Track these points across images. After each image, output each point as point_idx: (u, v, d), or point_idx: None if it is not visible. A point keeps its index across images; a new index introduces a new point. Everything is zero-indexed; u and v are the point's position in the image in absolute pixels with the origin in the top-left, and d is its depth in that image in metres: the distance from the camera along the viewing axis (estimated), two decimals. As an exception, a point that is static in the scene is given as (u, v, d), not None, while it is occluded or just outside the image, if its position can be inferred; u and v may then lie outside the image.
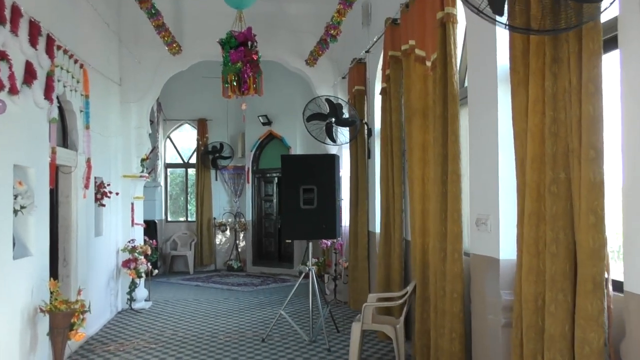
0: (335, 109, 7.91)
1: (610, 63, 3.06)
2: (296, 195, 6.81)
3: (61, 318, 5.38)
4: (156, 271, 9.47)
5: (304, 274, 7.24)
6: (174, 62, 9.53)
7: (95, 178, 7.89)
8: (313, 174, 6.85)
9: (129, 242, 8.94)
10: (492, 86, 4.22)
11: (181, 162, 14.85)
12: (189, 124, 14.51)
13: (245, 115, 10.00)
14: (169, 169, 14.77)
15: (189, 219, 14.72)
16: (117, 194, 8.43)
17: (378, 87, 7.87)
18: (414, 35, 5.68)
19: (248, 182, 14.06)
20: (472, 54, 4.66)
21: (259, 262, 13.97)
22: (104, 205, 8.07)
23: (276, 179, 13.95)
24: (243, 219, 14.15)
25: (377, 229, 7.80)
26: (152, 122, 13.36)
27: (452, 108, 4.74)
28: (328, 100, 7.92)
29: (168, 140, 14.61)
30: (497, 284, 4.12)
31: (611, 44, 3.06)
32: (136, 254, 8.92)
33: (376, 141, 7.89)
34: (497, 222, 4.15)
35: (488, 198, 4.30)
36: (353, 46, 8.89)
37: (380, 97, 7.70)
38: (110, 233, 8.67)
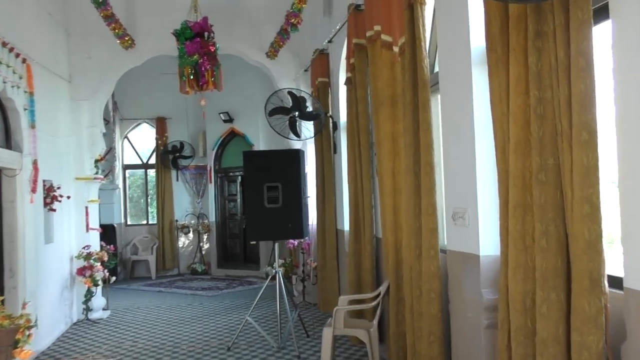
0: (299, 102, 7.54)
1: (601, 35, 2.77)
2: (260, 193, 6.42)
3: (4, 335, 4.90)
4: (114, 278, 8.97)
5: (270, 277, 6.86)
6: (127, 57, 9.03)
7: (44, 181, 7.38)
8: (277, 171, 6.47)
9: (84, 248, 8.43)
10: (466, 69, 3.91)
11: (140, 162, 14.29)
12: (147, 123, 13.97)
13: (205, 111, 9.59)
14: (127, 171, 14.20)
15: (150, 222, 14.19)
16: (68, 197, 7.91)
17: (342, 77, 7.54)
18: (379, 20, 5.35)
19: (210, 182, 13.60)
20: (443, 36, 4.35)
21: (224, 265, 13.52)
22: (54, 210, 7.56)
23: (239, 177, 13.52)
24: (206, 220, 13.68)
25: (346, 227, 7.48)
26: (107, 121, 12.83)
27: (423, 95, 4.42)
28: (291, 94, 7.56)
29: (125, 140, 14.04)
30: (478, 282, 3.81)
31: (602, 14, 2.77)
32: (92, 261, 8.42)
33: (342, 135, 7.55)
34: (475, 215, 3.84)
35: (465, 190, 3.99)
36: (314, 37, 8.54)
37: (345, 87, 7.38)
38: (63, 239, 8.15)
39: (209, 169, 13.59)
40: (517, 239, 2.97)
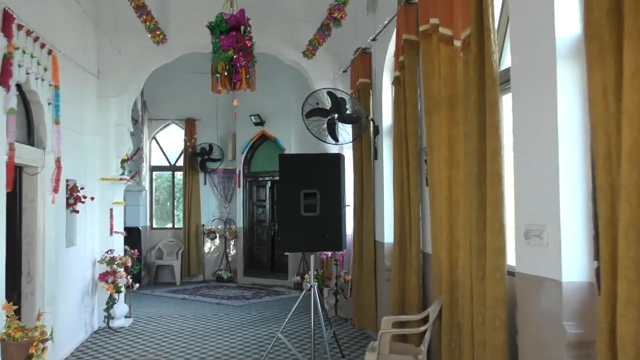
0: (339, 103, 7.04)
1: None
2: (296, 200, 5.92)
3: (15, 349, 4.45)
4: (137, 285, 8.53)
5: (305, 291, 6.34)
6: (158, 53, 8.61)
7: (67, 181, 6.99)
8: (315, 176, 5.97)
9: (107, 252, 8.01)
10: (549, 63, 3.35)
11: (167, 164, 13.92)
12: (175, 124, 13.60)
13: (237, 112, 9.09)
14: (154, 172, 13.83)
15: (176, 226, 13.78)
16: (92, 198, 7.50)
17: (386, 78, 7.04)
18: (436, 12, 4.82)
19: (239, 187, 13.16)
20: (518, 26, 3.79)
21: (250, 273, 13.04)
22: (77, 212, 7.16)
23: (269, 182, 13.06)
24: (233, 226, 13.23)
25: (386, 239, 6.94)
26: (135, 121, 12.50)
27: (492, 94, 3.86)
28: (330, 94, 7.05)
29: (153, 141, 13.68)
30: (559, 312, 3.24)
31: None
32: (115, 266, 8.00)
33: (385, 139, 7.03)
34: (557, 234, 3.27)
35: (543, 204, 3.43)
36: (355, 35, 8.04)
37: (391, 89, 6.88)
38: (86, 243, 7.74)
39: (237, 172, 13.15)
40: (631, 268, 2.41)
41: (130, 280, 8.22)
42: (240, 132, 13.05)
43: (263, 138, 12.87)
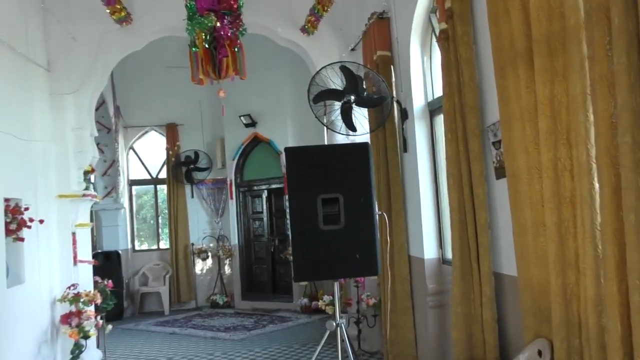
0: (356, 81, 5.43)
1: None
2: (311, 210, 4.23)
3: None
4: (109, 327, 6.85)
5: (328, 332, 4.69)
6: (122, 38, 6.97)
7: (6, 200, 5.35)
8: (336, 175, 4.29)
9: (69, 288, 6.35)
10: None
11: (149, 177, 12.24)
12: (155, 130, 11.94)
13: (224, 106, 7.49)
14: (133, 187, 12.16)
15: (162, 247, 12.11)
16: (41, 221, 5.82)
17: (415, 46, 5.45)
18: None
19: (231, 198, 11.51)
20: None
21: (249, 296, 11.37)
22: (21, 240, 5.50)
23: (266, 192, 11.43)
24: (227, 243, 11.58)
25: (426, 254, 5.35)
26: (108, 130, 10.93)
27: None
28: (345, 69, 5.44)
29: (131, 151, 12.01)
30: None
31: None
32: (81, 304, 6.34)
33: (416, 125, 5.44)
34: None
35: None
36: (363, 2, 6.48)
37: (422, 60, 5.34)
38: (40, 278, 6.08)
39: (229, 182, 11.51)
40: None
41: (101, 320, 6.56)
42: (229, 135, 11.43)
43: (256, 141, 11.25)
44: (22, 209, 5.42)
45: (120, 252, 11.00)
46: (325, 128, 8.91)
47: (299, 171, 4.42)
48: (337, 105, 5.56)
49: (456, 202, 4.17)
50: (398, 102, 5.65)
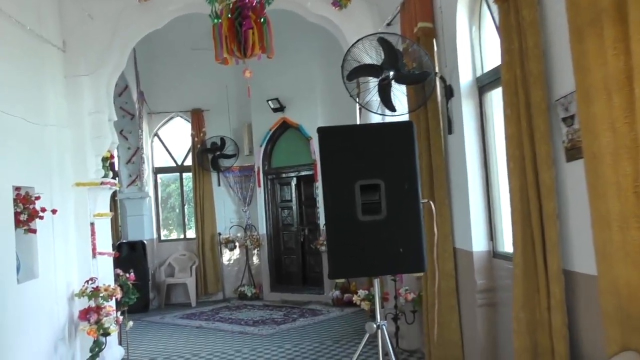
0: (396, 55, 4.89)
1: None
2: (349, 198, 3.71)
3: None
4: (130, 324, 6.45)
5: (367, 336, 4.18)
6: (142, 15, 6.51)
7: (16, 189, 4.95)
8: (376, 159, 3.75)
9: (87, 282, 5.95)
10: None
11: (174, 164, 11.86)
12: (180, 116, 11.54)
13: (250, 88, 7.01)
14: (159, 175, 11.79)
15: (188, 236, 11.74)
16: (54, 212, 5.41)
17: (462, 15, 4.88)
18: None
19: (259, 186, 11.06)
20: None
21: (278, 287, 10.94)
22: (34, 231, 5.11)
23: (295, 179, 10.95)
24: (255, 233, 11.15)
25: (474, 246, 4.80)
26: (132, 116, 10.54)
27: None
28: (383, 42, 4.89)
29: (155, 138, 11.63)
30: None
31: None
32: (100, 300, 5.94)
33: (463, 104, 4.87)
34: None
35: None
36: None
37: (469, 32, 4.78)
38: (56, 272, 5.70)
39: (256, 169, 11.06)
40: None
41: (121, 316, 6.17)
42: (256, 121, 10.96)
43: (284, 126, 10.75)
44: (33, 198, 5.01)
45: (145, 242, 10.66)
46: (358, 112, 8.42)
47: (333, 154, 3.92)
48: (374, 82, 5.02)
49: (518, 189, 3.61)
50: (442, 78, 5.08)
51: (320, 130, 3.95)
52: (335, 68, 10.03)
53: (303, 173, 10.71)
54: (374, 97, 5.10)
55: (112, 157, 6.73)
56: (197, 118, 11.24)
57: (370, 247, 3.87)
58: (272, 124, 10.73)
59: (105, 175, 6.55)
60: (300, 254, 10.91)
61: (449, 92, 5.05)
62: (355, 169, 3.89)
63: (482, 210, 4.81)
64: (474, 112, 4.83)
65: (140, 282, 10.03)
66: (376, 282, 4.10)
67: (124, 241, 10.62)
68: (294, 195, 11.00)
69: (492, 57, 4.66)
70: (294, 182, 10.97)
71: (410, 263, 3.88)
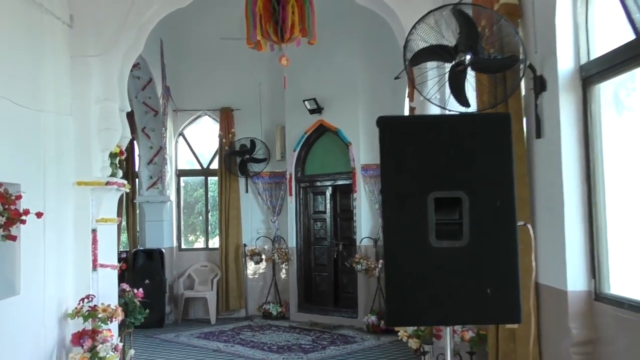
0: (476, 33, 3.82)
1: None
2: (418, 214, 2.62)
3: None
4: (132, 353, 5.46)
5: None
6: (163, -10, 5.60)
7: (-6, 185, 4.02)
8: (458, 163, 2.65)
9: (82, 300, 4.99)
10: None
11: (199, 167, 10.93)
12: (208, 115, 10.64)
13: (286, 76, 6.04)
14: (182, 178, 10.87)
15: (211, 246, 10.79)
16: (38, 215, 4.41)
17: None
18: None
19: (290, 195, 10.06)
20: None
21: (307, 307, 9.90)
22: (13, 239, 4.15)
23: (330, 188, 9.91)
24: (284, 246, 10.13)
25: (569, 284, 3.69)
26: (156, 112, 9.67)
27: None
28: (459, 15, 3.83)
29: (180, 138, 10.73)
30: None
31: None
32: (98, 321, 4.98)
33: (561, 100, 3.77)
34: None
35: None
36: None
37: (567, 12, 3.71)
38: (45, 287, 4.75)
39: (288, 176, 10.07)
40: None
41: (120, 343, 5.19)
42: (290, 123, 9.99)
43: (321, 130, 9.75)
44: (13, 197, 4.06)
45: (163, 250, 9.73)
46: (408, 111, 7.39)
47: (398, 154, 2.86)
48: (443, 69, 3.96)
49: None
50: (531, 67, 4.00)
51: (381, 121, 2.89)
52: (378, 68, 9.15)
53: (340, 182, 9.68)
54: (444, 86, 4.04)
55: (122, 153, 5.78)
56: (226, 118, 10.32)
57: (446, 285, 2.81)
58: (307, 126, 9.75)
59: (113, 174, 5.60)
60: (333, 272, 9.84)
61: (539, 84, 3.96)
62: (428, 175, 2.84)
63: (580, 238, 3.69)
64: (574, 111, 3.73)
65: (156, 294, 9.23)
66: (448, 331, 3.04)
67: (141, 249, 9.73)
68: (328, 206, 9.96)
69: (605, 38, 3.57)
70: (329, 192, 9.93)
71: (501, 309, 2.81)
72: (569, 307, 3.68)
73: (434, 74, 4.18)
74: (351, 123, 9.24)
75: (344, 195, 9.74)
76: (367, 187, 9.12)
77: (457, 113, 4.02)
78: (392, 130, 2.85)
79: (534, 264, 2.92)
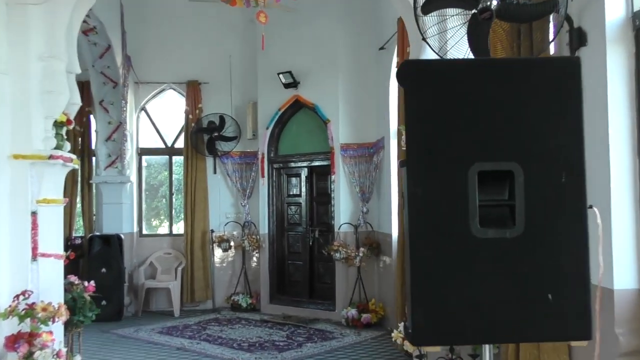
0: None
1: None
2: (456, 193, 1.92)
3: None
4: (78, 359, 4.65)
5: None
6: None
7: None
8: (510, 126, 1.93)
9: (17, 297, 4.16)
10: None
11: (163, 146, 10.08)
12: (173, 88, 9.79)
13: (264, 35, 5.25)
14: (144, 157, 10.02)
15: (174, 232, 9.98)
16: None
17: None
18: None
19: (263, 176, 9.29)
20: None
21: (280, 299, 9.19)
22: None
23: (306, 170, 9.18)
24: (255, 232, 9.39)
25: (615, 281, 3.03)
26: (115, 84, 8.78)
27: None
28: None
29: (142, 113, 9.87)
30: None
31: None
32: (38, 322, 4.16)
33: (608, 57, 3.09)
34: None
35: None
36: None
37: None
38: (-31, 281, 3.91)
39: (260, 156, 9.31)
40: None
41: (64, 348, 4.38)
42: (263, 98, 9.22)
43: (297, 106, 9.01)
44: None
45: (122, 236, 8.88)
46: (398, 86, 6.69)
47: (428, 113, 2.13)
48: (465, 15, 3.23)
49: None
50: (568, 17, 3.29)
51: (405, 66, 2.17)
52: (360, 39, 8.42)
53: (316, 163, 8.96)
54: (458, 36, 3.31)
55: (69, 122, 4.88)
56: (193, 91, 9.52)
57: (492, 289, 2.11)
58: (282, 102, 9.00)
59: (59, 147, 4.74)
60: (308, 260, 9.15)
61: (576, 38, 3.26)
62: (470, 141, 2.10)
63: (631, 229, 3.04)
64: (625, 68, 3.05)
65: (113, 284, 8.41)
66: (488, 349, 2.35)
67: (97, 234, 8.88)
68: (304, 189, 9.23)
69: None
70: (304, 174, 9.20)
71: (565, 322, 2.14)
72: (615, 308, 3.02)
73: (435, 29, 3.45)
74: (330, 98, 8.52)
75: (321, 177, 9.02)
76: (346, 168, 8.41)
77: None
78: (420, 76, 2.11)
79: (600, 260, 2.21)
